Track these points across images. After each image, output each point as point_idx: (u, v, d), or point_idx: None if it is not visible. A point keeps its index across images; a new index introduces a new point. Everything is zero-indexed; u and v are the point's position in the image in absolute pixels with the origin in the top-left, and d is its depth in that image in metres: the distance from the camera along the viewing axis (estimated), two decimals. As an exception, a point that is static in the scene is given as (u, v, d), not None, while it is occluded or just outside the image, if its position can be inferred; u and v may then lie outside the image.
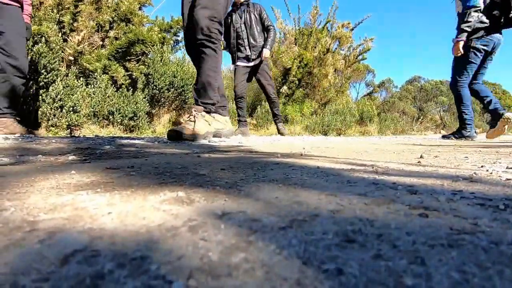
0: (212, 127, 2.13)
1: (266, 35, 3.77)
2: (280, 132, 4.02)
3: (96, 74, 4.18)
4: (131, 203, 0.47)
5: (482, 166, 0.95)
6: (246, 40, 3.65)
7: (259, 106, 6.38)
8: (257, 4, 3.77)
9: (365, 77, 11.06)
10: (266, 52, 3.73)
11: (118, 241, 0.32)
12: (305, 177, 0.73)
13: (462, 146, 2.23)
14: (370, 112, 7.65)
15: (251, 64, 3.71)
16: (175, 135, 1.94)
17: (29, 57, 3.39)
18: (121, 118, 4.03)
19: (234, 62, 3.84)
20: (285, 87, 6.97)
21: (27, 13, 2.56)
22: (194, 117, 2.03)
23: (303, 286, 0.25)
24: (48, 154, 1.16)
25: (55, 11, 4.10)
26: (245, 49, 3.66)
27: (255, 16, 3.67)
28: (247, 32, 3.63)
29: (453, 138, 3.85)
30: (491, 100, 3.69)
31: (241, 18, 3.65)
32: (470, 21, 3.43)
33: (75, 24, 4.30)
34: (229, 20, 3.69)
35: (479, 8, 3.43)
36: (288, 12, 7.99)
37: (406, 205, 0.48)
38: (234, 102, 3.85)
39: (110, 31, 4.57)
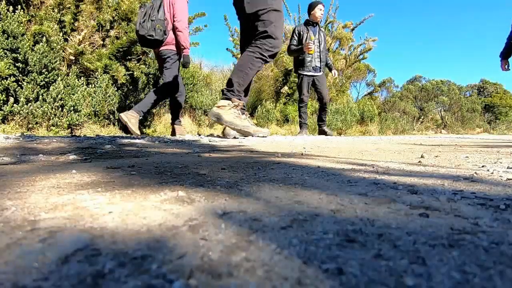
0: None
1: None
2: (327, 134, 4.48)
3: (97, 73, 4.18)
4: (131, 203, 0.47)
5: (483, 166, 0.94)
6: (317, 54, 4.28)
7: (259, 106, 6.38)
8: (324, 31, 4.64)
9: (365, 76, 11.04)
10: (336, 73, 4.79)
11: (119, 240, 0.32)
12: (305, 176, 0.73)
13: (463, 146, 2.22)
14: (371, 112, 7.64)
15: (317, 74, 4.32)
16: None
17: (31, 57, 3.40)
18: (122, 117, 4.03)
19: (296, 70, 4.41)
20: (286, 87, 6.97)
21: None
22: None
23: (304, 286, 0.25)
24: (49, 154, 1.17)
25: (56, 10, 4.11)
26: (315, 61, 4.27)
27: (325, 38, 4.41)
28: (320, 48, 4.28)
29: None
30: None
31: (314, 35, 4.27)
32: None
33: (76, 24, 4.30)
34: (305, 33, 4.26)
35: None
36: (287, 12, 8.00)
37: (406, 205, 0.48)
38: (301, 106, 4.53)
39: (111, 30, 4.57)
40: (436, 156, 1.29)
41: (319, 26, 4.35)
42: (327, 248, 0.31)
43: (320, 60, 4.30)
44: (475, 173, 0.80)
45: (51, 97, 3.47)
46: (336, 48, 7.87)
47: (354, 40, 7.97)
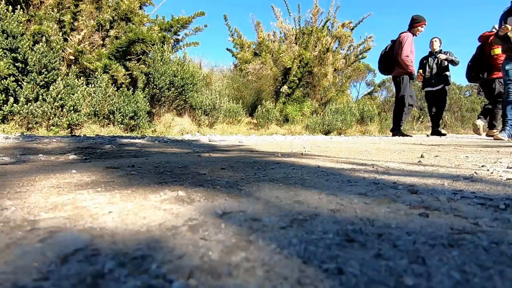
0: None
1: None
2: (441, 134, 5.44)
3: (96, 73, 4.18)
4: (131, 202, 0.47)
5: (482, 166, 0.94)
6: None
7: (259, 106, 6.38)
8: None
9: (365, 76, 11.02)
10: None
11: (119, 240, 0.32)
12: (305, 176, 0.73)
13: (462, 145, 2.22)
14: (371, 112, 7.63)
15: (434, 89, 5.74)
16: None
17: (31, 57, 3.40)
18: (122, 117, 4.03)
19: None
20: (285, 87, 6.96)
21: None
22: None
23: (304, 286, 0.25)
24: (49, 153, 1.17)
25: (55, 10, 4.10)
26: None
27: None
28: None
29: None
30: None
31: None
32: None
33: (75, 24, 4.30)
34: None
35: None
36: (288, 12, 7.99)
37: (406, 205, 0.48)
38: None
39: (110, 30, 4.57)
40: (436, 156, 1.29)
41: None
42: (327, 248, 0.31)
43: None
44: (475, 173, 0.80)
45: (51, 97, 3.46)
46: (336, 47, 7.86)
47: (353, 39, 7.98)
